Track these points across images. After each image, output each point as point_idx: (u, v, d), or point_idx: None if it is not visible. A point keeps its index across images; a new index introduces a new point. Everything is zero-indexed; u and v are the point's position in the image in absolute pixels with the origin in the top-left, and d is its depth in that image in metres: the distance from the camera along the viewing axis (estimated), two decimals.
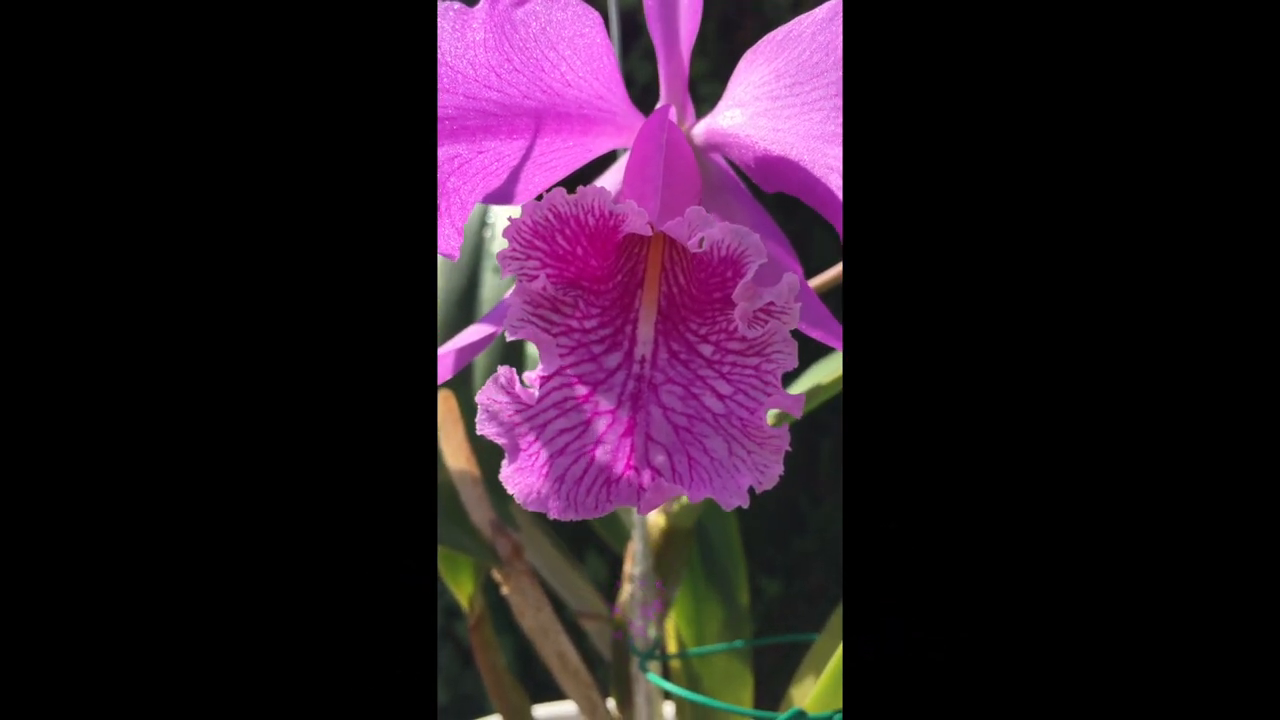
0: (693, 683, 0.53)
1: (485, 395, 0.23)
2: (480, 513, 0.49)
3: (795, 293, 0.23)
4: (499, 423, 0.23)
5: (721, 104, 0.31)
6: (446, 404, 0.49)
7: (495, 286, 0.55)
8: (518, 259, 0.24)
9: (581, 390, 0.24)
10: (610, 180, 0.32)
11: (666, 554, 0.48)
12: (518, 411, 0.23)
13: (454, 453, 0.50)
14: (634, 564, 0.49)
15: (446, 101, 0.25)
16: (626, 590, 0.50)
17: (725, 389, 0.24)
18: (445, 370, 0.32)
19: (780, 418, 0.32)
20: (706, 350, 0.24)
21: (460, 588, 0.51)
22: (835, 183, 0.24)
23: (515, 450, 0.23)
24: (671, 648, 0.53)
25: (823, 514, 1.14)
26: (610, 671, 0.53)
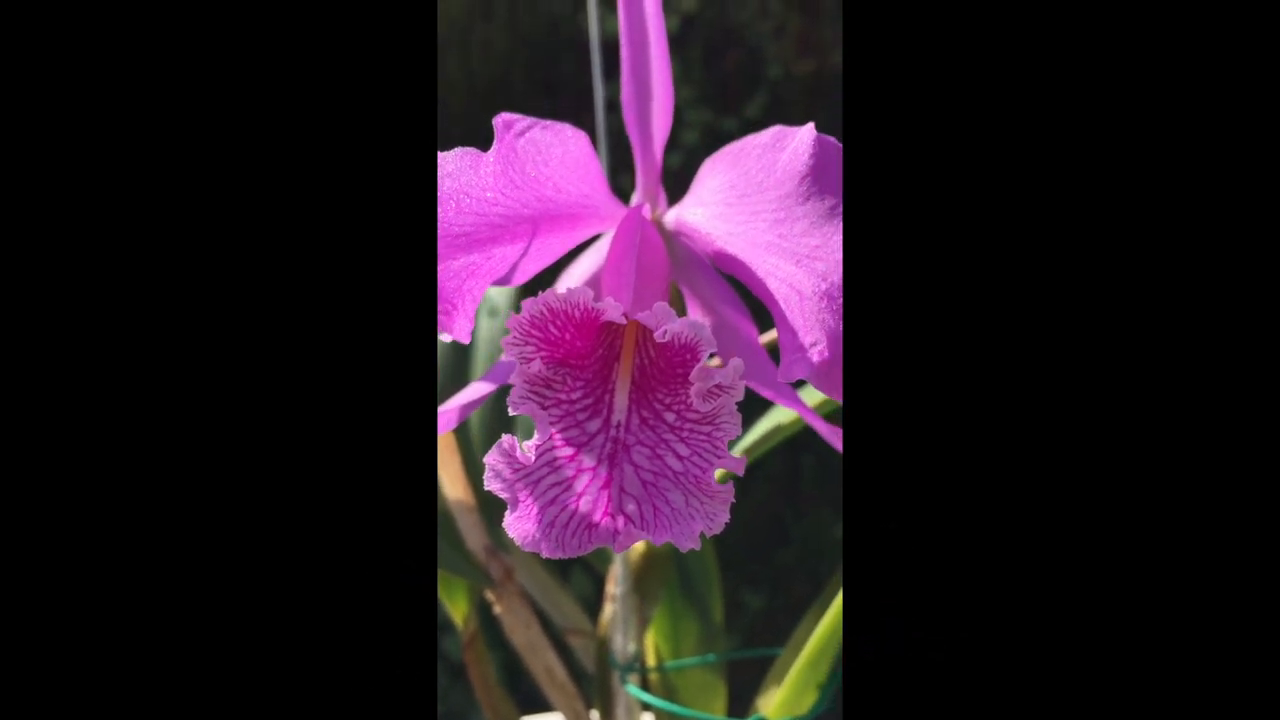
0: (670, 694, 0.58)
1: (492, 458, 0.29)
2: (475, 538, 0.54)
3: (740, 373, 0.29)
4: (502, 481, 0.28)
5: (688, 198, 0.36)
6: (444, 438, 0.54)
7: (489, 329, 0.60)
8: (518, 345, 0.29)
9: (568, 451, 0.29)
10: (591, 259, 0.38)
11: (645, 575, 0.53)
12: (515, 472, 0.29)
13: (451, 482, 0.55)
14: (615, 584, 0.55)
15: (462, 222, 0.30)
16: (608, 609, 0.56)
17: (684, 451, 0.29)
18: (448, 424, 0.37)
19: (726, 476, 0.37)
20: (670, 418, 0.30)
21: (456, 607, 0.56)
22: (772, 284, 0.30)
23: (515, 503, 0.28)
24: (651, 661, 0.58)
25: (805, 528, 1.19)
26: (594, 684, 0.58)
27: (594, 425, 0.30)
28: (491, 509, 0.57)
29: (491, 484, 0.29)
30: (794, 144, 0.29)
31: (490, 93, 1.17)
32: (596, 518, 0.29)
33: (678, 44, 1.19)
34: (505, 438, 0.29)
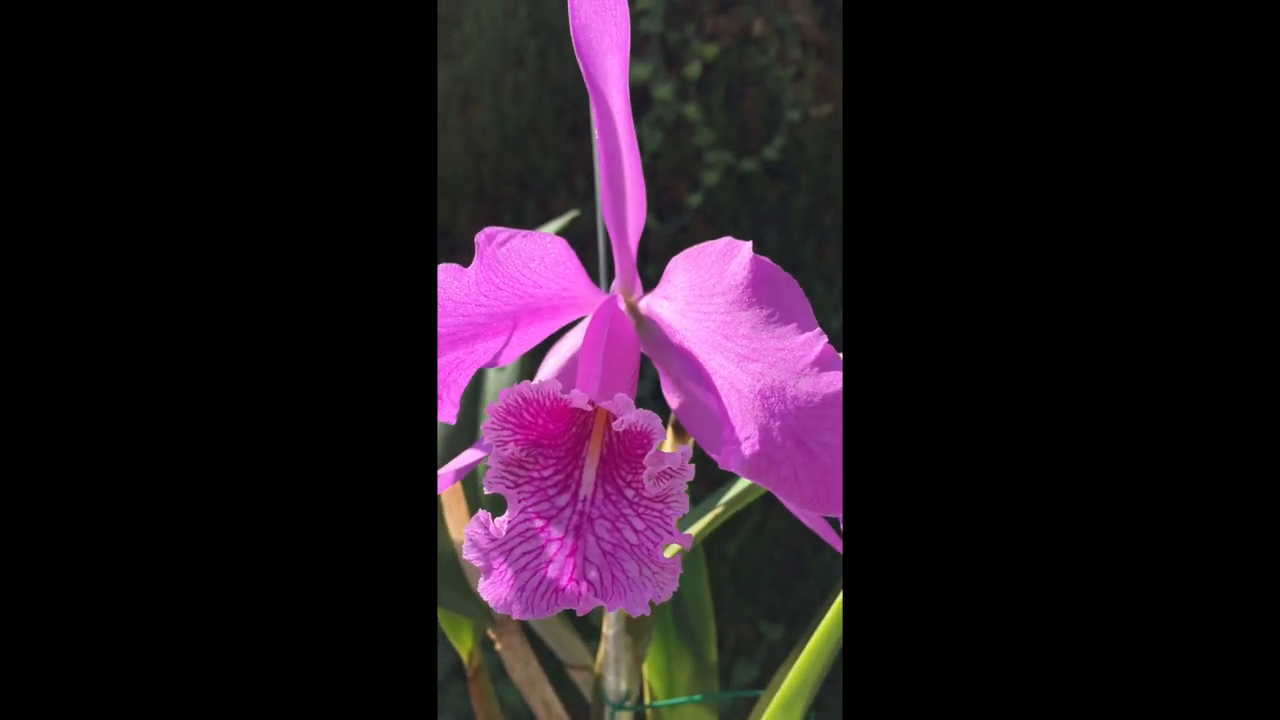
0: None
1: (470, 529, 0.33)
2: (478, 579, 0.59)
3: (688, 458, 0.33)
4: (479, 549, 0.33)
5: (659, 289, 0.40)
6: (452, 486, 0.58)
7: (497, 380, 0.65)
8: (495, 430, 0.33)
9: (538, 523, 0.33)
10: (571, 343, 0.42)
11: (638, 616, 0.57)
12: (490, 543, 0.33)
13: (456, 527, 0.60)
14: (608, 624, 0.58)
15: (446, 323, 0.34)
16: (603, 647, 0.59)
17: (640, 525, 0.33)
18: (445, 484, 0.41)
19: (674, 550, 0.41)
20: (630, 494, 0.34)
21: (461, 644, 0.61)
22: (718, 380, 0.33)
23: (489, 570, 0.33)
24: (647, 699, 0.62)
25: (824, 561, 1.22)
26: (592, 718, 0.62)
27: (563, 500, 0.34)
28: None
29: (469, 553, 0.33)
30: (738, 257, 0.33)
31: (521, 136, 1.23)
32: (563, 583, 0.33)
33: (699, 89, 1.24)
34: (481, 513, 0.33)
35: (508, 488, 0.33)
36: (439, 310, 0.34)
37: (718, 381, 0.33)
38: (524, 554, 0.33)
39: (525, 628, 0.61)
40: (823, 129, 1.28)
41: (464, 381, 0.35)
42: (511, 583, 0.33)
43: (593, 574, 0.33)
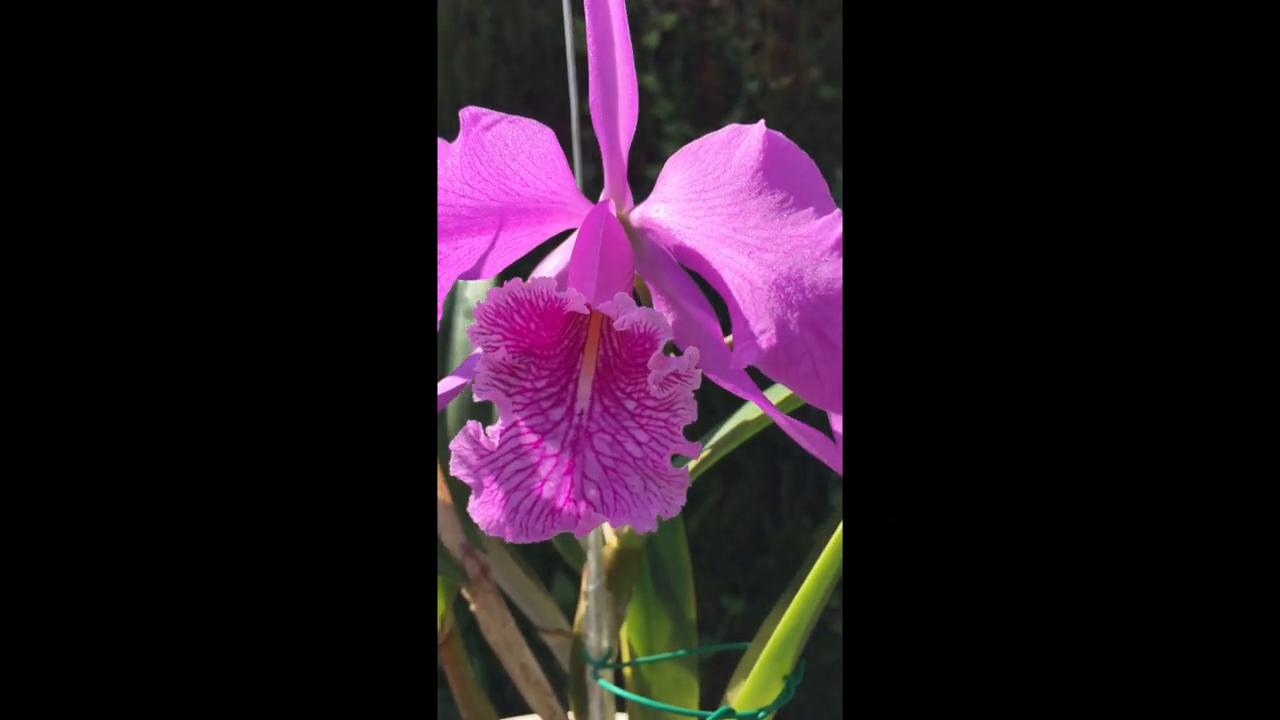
0: (643, 690, 0.59)
1: (457, 444, 0.30)
2: (451, 536, 0.55)
3: (696, 362, 0.30)
4: (467, 466, 0.29)
5: (653, 195, 0.37)
6: None
7: (466, 329, 0.61)
8: (484, 334, 0.30)
9: (532, 439, 0.30)
10: (560, 256, 0.39)
11: (618, 571, 0.54)
12: (481, 458, 0.30)
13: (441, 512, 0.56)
14: (589, 581, 0.55)
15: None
16: (583, 606, 0.56)
17: (642, 437, 0.30)
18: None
19: (680, 460, 0.38)
20: (630, 405, 0.31)
21: None
22: (726, 276, 0.31)
23: (479, 488, 0.29)
24: (625, 658, 0.59)
25: (784, 535, 1.21)
26: (569, 681, 0.59)
27: (558, 413, 0.31)
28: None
29: (457, 469, 0.29)
30: (746, 141, 0.31)
31: (475, 105, 1.19)
32: (559, 503, 0.30)
33: (658, 59, 1.21)
34: (470, 424, 0.30)
35: (501, 394, 0.30)
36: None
37: (727, 277, 0.30)
38: (516, 471, 0.30)
39: (500, 590, 0.58)
40: (781, 101, 1.26)
41: (446, 285, 0.32)
42: (503, 503, 0.29)
43: (592, 492, 0.30)
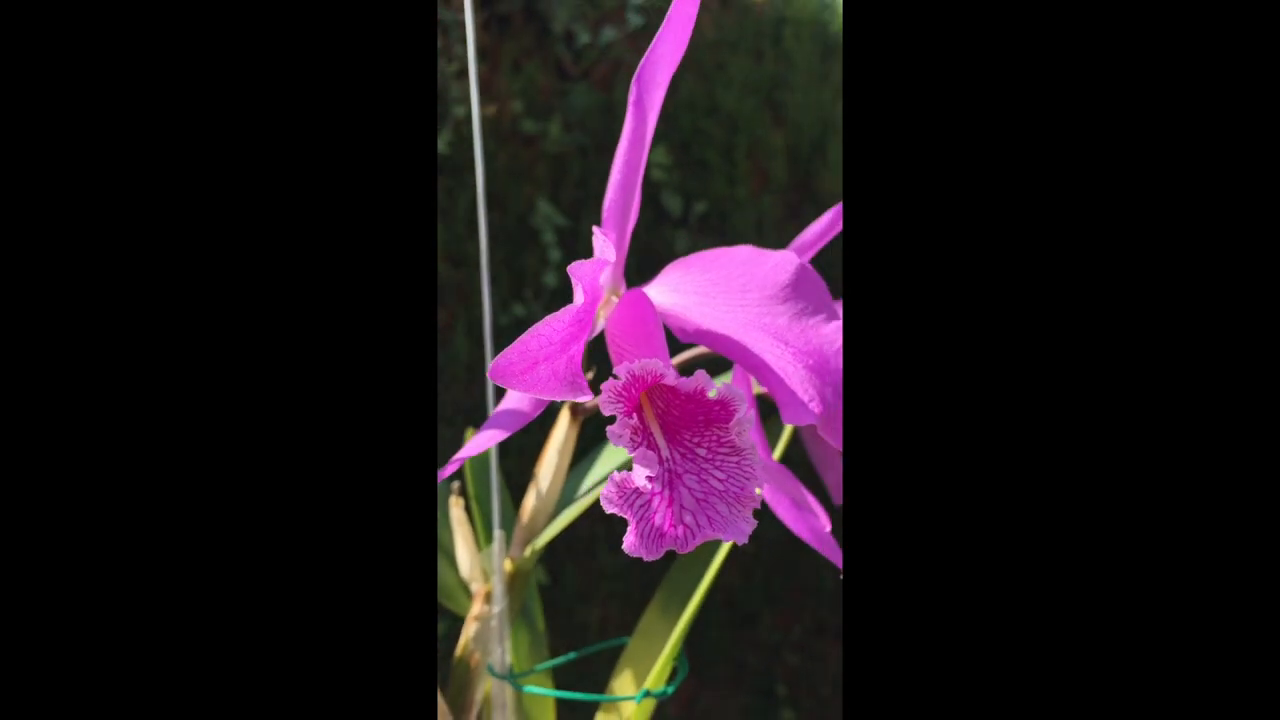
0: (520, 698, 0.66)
1: (607, 490, 0.38)
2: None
3: (752, 422, 0.42)
4: (616, 505, 0.38)
5: (656, 286, 0.47)
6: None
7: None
8: (612, 403, 0.39)
9: (647, 482, 0.40)
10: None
11: (517, 591, 0.62)
12: (621, 498, 0.38)
13: (464, 546, 0.60)
14: (482, 604, 0.62)
15: None
16: (472, 629, 0.62)
17: (721, 475, 0.41)
18: (448, 470, 0.44)
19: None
20: (702, 452, 0.42)
21: None
22: (766, 359, 0.43)
23: (628, 522, 0.38)
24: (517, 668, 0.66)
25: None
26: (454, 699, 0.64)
27: (657, 460, 0.41)
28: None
29: (608, 507, 0.38)
30: (777, 262, 0.43)
31: None
32: (665, 528, 0.39)
33: None
34: (616, 473, 0.38)
35: (628, 448, 0.39)
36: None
37: (765, 359, 0.43)
38: (640, 506, 0.39)
39: None
40: (488, 127, 1.36)
41: None
42: (635, 530, 0.38)
43: (688, 518, 0.40)
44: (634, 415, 0.40)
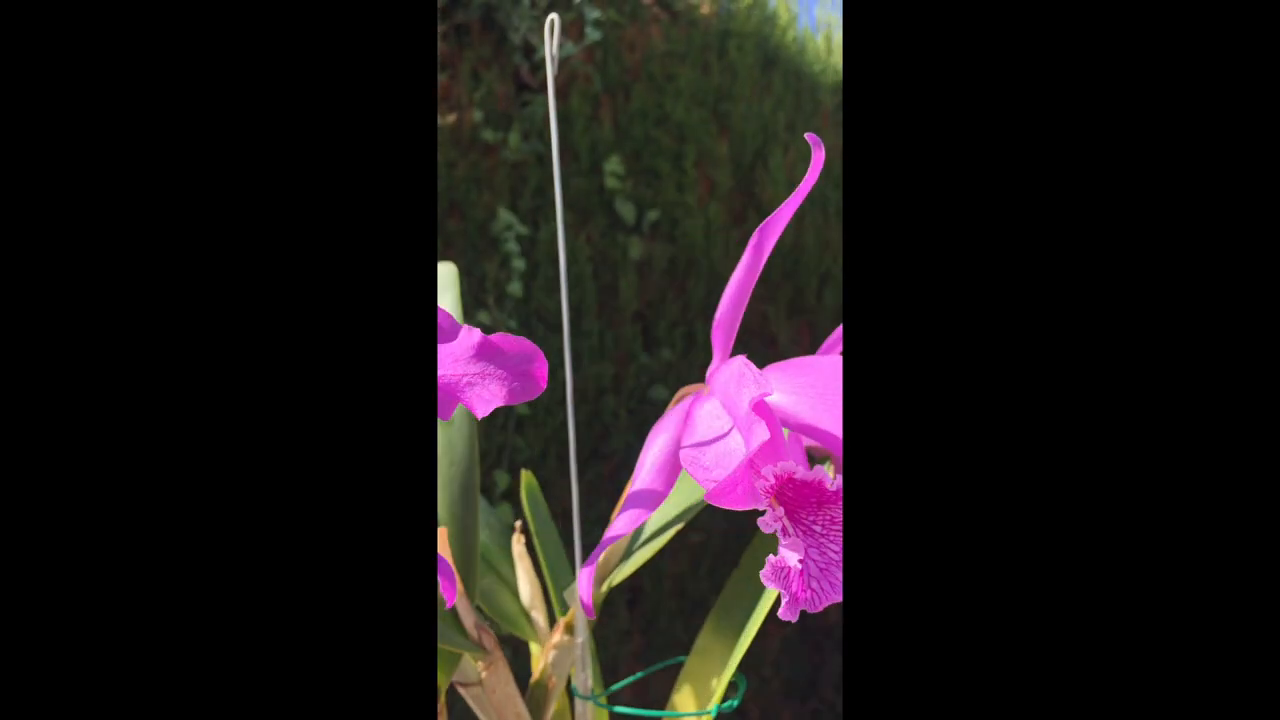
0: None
1: (765, 571, 0.47)
2: (466, 618, 0.65)
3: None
4: (772, 580, 0.47)
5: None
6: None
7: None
8: (768, 494, 0.48)
9: (799, 567, 0.49)
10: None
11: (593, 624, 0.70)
12: (774, 572, 0.48)
13: (525, 578, 0.66)
14: (562, 634, 0.70)
15: None
16: (550, 656, 0.71)
17: (837, 546, 0.51)
18: (593, 559, 0.52)
19: None
20: (817, 528, 0.51)
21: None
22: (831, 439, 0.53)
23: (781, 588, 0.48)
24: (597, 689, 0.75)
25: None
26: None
27: (792, 537, 0.50)
28: (481, 596, 0.68)
29: (768, 583, 0.47)
30: (838, 362, 0.53)
31: None
32: (799, 594, 0.49)
33: None
34: (771, 556, 0.48)
35: (780, 538, 0.48)
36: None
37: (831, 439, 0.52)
38: (786, 575, 0.49)
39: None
40: (445, 137, 1.39)
41: None
42: (787, 602, 0.48)
43: (814, 584, 0.50)
44: (779, 506, 0.49)
